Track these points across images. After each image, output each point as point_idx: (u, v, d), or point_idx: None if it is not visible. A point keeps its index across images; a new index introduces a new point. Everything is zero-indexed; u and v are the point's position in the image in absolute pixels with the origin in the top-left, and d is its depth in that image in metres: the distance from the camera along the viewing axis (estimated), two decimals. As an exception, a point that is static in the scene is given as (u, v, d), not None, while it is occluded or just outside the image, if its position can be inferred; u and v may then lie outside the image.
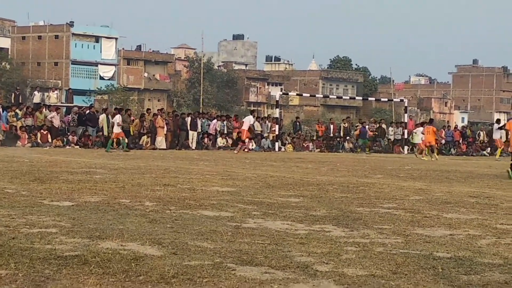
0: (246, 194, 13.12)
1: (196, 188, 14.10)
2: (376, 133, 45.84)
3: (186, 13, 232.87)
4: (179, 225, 8.90)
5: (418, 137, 37.34)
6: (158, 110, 42.44)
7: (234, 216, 10.03)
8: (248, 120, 37.06)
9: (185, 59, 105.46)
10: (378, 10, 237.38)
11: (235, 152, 35.44)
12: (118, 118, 33.49)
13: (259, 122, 44.10)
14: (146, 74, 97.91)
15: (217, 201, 11.85)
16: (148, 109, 44.54)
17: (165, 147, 37.53)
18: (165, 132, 38.22)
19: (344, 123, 47.19)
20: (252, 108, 46.77)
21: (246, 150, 37.09)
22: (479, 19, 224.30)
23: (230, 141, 41.15)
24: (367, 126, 45.63)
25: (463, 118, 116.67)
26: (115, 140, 33.73)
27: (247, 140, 37.03)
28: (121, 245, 7.29)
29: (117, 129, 33.13)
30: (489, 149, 47.18)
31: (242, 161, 27.08)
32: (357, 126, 46.94)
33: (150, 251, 7.07)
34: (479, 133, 50.79)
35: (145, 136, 37.80)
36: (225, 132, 41.60)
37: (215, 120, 41.94)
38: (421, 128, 37.78)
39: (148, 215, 9.75)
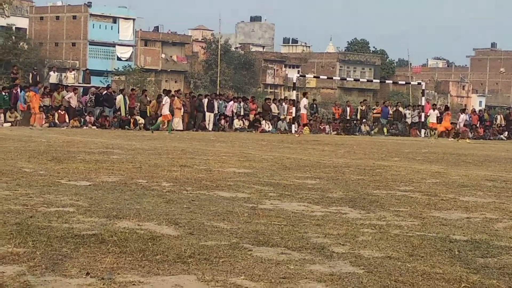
0: (263, 176, 13.13)
1: (213, 169, 14.12)
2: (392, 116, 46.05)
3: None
4: (196, 205, 8.93)
5: (432, 118, 38.74)
6: (175, 91, 42.43)
7: (250, 197, 10.05)
8: (303, 103, 39.61)
9: (203, 40, 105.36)
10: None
11: (296, 135, 37.50)
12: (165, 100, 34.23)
13: (275, 104, 44.07)
14: (163, 56, 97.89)
15: (234, 182, 11.87)
16: (165, 90, 44.58)
17: (181, 128, 37.55)
18: (182, 114, 38.23)
19: (362, 106, 47.07)
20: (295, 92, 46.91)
21: (300, 132, 39.09)
22: (497, 2, 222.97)
23: (246, 123, 41.14)
24: (389, 107, 46.17)
25: (480, 102, 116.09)
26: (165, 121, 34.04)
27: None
28: (138, 225, 7.33)
29: (165, 111, 33.66)
30: (506, 133, 47.01)
31: (259, 143, 27.09)
32: (376, 106, 47.21)
33: (166, 231, 7.10)
34: (497, 116, 50.54)
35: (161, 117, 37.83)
36: (242, 114, 41.58)
37: (231, 102, 41.93)
38: (435, 111, 38.81)
39: (165, 196, 9.78)
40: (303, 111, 38.80)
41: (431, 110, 42.57)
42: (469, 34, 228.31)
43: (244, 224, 7.68)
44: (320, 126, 44.23)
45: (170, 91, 37.97)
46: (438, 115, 42.23)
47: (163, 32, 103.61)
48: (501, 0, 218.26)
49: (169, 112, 33.90)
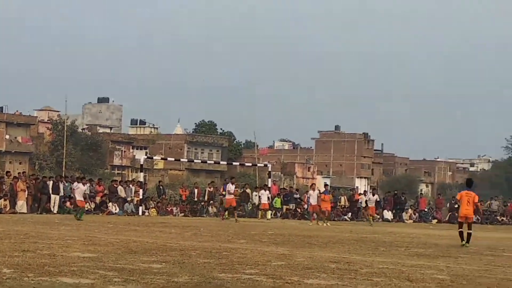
0: (108, 260, 12.92)
1: (56, 254, 13.79)
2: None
3: (50, 74, 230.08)
4: (37, 293, 8.67)
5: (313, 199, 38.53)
6: (18, 173, 41.44)
7: (94, 283, 9.85)
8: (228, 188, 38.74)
9: (49, 121, 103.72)
10: (239, 75, 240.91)
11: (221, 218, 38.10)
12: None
13: (122, 186, 43.64)
14: (7, 137, 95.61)
15: (78, 267, 11.62)
16: (7, 172, 43.44)
17: (25, 211, 36.57)
18: (26, 196, 37.27)
19: (209, 187, 47.24)
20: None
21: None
22: (341, 85, 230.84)
23: (93, 205, 40.48)
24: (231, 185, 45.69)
25: (325, 183, 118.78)
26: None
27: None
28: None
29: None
30: (350, 214, 48.11)
31: (105, 225, 26.70)
32: (211, 184, 47.13)
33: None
34: (340, 198, 51.78)
35: (2, 200, 36.77)
36: (88, 195, 40.90)
37: (76, 183, 41.14)
38: (316, 191, 39.25)
39: (4, 283, 9.46)
40: (228, 196, 38.42)
41: (311, 191, 40.41)
42: (314, 117, 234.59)
43: (86, 311, 7.51)
44: (167, 208, 44.08)
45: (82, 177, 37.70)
46: (319, 195, 42.33)
47: (8, 112, 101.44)
48: (343, 84, 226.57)
49: (82, 199, 33.44)
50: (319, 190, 40.65)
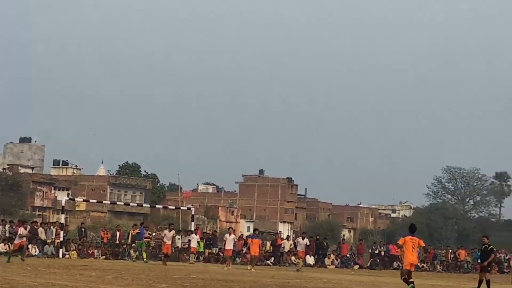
0: (26, 304, 12.65)
1: (-28, 297, 13.45)
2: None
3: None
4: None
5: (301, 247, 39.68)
6: None
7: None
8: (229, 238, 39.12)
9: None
10: (163, 120, 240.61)
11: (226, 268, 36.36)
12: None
13: (43, 228, 42.94)
14: None
15: (-6, 311, 11.35)
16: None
17: None
18: None
19: (133, 230, 46.69)
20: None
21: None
22: (265, 131, 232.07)
23: (12, 247, 39.67)
24: (144, 229, 45.16)
25: (248, 227, 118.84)
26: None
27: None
28: None
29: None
30: (272, 258, 48.08)
31: (24, 268, 26.19)
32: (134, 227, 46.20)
33: None
34: (266, 242, 51.74)
35: None
36: (7, 236, 40.14)
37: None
38: (305, 240, 40.22)
39: None
40: (228, 246, 38.84)
41: (300, 239, 42.25)
42: (238, 161, 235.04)
43: None
44: (89, 251, 43.47)
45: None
46: (308, 243, 42.74)
47: None
48: (268, 129, 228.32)
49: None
50: (242, 234, 41.34)
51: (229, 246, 38.58)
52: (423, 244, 21.68)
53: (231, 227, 47.81)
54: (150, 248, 45.76)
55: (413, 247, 20.68)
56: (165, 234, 40.72)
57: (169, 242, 39.91)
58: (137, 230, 45.85)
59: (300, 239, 43.58)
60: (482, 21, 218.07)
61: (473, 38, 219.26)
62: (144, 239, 46.17)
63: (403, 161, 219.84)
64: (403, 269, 21.13)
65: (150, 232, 47.59)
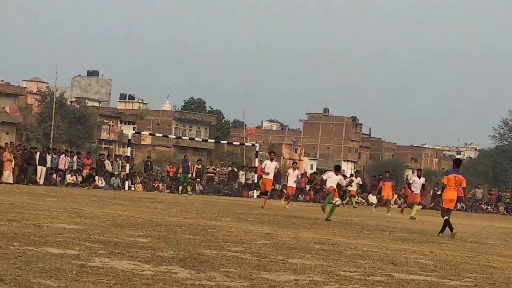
0: (93, 233, 12.94)
1: (42, 224, 13.80)
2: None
3: (40, 45, 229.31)
4: (23, 261, 8.69)
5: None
6: (5, 143, 41.34)
7: (80, 254, 9.87)
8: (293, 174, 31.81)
9: (37, 92, 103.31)
10: (230, 54, 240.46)
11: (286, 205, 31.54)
12: None
13: (109, 160, 43.61)
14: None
15: (63, 238, 11.64)
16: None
17: (11, 182, 36.53)
18: (12, 166, 37.21)
19: (198, 165, 47.18)
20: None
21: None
22: (331, 71, 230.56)
23: (80, 178, 40.48)
24: (189, 162, 45.19)
25: (312, 165, 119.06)
26: None
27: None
28: (-40, 281, 7.06)
29: None
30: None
31: (91, 199, 26.70)
32: (183, 159, 46.13)
33: (-10, 288, 6.88)
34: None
35: (-9, 169, 36.70)
36: (75, 168, 40.91)
37: (63, 155, 41.10)
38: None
39: (-10, 251, 9.47)
40: (291, 183, 31.61)
41: (290, 170, 32.14)
42: (302, 99, 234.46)
43: (72, 282, 7.53)
44: (154, 184, 44.09)
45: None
46: (361, 182, 40.17)
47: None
48: (333, 68, 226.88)
49: None
50: (305, 172, 39.86)
51: (292, 182, 31.74)
52: (465, 185, 20.30)
53: (295, 162, 39.92)
54: (215, 183, 46.30)
55: (455, 185, 19.87)
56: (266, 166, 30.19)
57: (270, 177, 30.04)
58: (198, 164, 46.19)
59: (353, 177, 40.99)
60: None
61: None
62: (207, 174, 46.63)
63: (469, 103, 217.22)
64: (442, 207, 20.43)
65: (214, 167, 47.99)
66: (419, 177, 33.09)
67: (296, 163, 39.44)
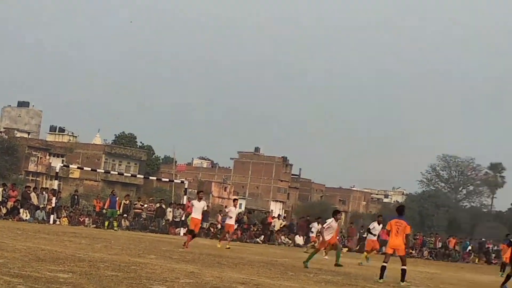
0: (13, 266, 12.75)
1: (-39, 257, 13.55)
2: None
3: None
4: None
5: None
6: None
7: (-3, 289, 9.73)
8: (231, 211, 32.90)
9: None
10: (160, 90, 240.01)
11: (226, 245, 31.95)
12: None
13: (36, 193, 43.03)
14: None
15: (-18, 272, 11.45)
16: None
17: None
18: None
19: (126, 200, 46.76)
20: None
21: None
22: (263, 109, 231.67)
23: (4, 210, 39.81)
24: (117, 197, 44.52)
25: (241, 204, 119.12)
26: None
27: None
28: None
29: None
30: (262, 236, 48.31)
31: (14, 231, 26.30)
32: (111, 193, 45.42)
33: None
34: (255, 220, 51.98)
35: None
36: (0, 200, 40.27)
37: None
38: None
39: None
40: (229, 221, 32.62)
41: (232, 207, 33.47)
42: (234, 137, 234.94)
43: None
44: (80, 218, 43.59)
45: None
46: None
47: None
48: (266, 107, 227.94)
49: None
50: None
51: (232, 220, 32.53)
52: (409, 231, 20.22)
53: (236, 199, 39.25)
54: (142, 219, 45.98)
55: (397, 231, 19.80)
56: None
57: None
58: (125, 200, 45.78)
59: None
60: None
61: (469, 34, 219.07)
62: (135, 210, 46.33)
63: (398, 148, 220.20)
64: (385, 253, 20.69)
65: (142, 203, 47.74)
66: (379, 223, 32.62)
67: (237, 200, 38.66)
